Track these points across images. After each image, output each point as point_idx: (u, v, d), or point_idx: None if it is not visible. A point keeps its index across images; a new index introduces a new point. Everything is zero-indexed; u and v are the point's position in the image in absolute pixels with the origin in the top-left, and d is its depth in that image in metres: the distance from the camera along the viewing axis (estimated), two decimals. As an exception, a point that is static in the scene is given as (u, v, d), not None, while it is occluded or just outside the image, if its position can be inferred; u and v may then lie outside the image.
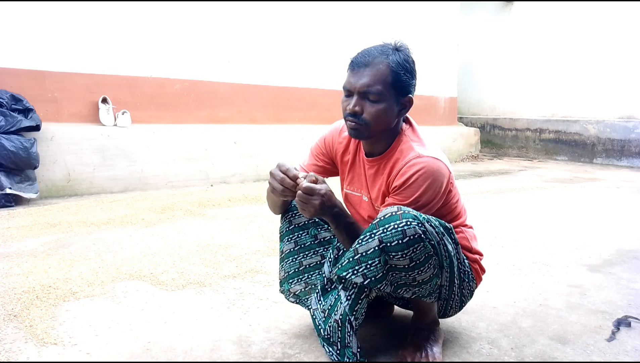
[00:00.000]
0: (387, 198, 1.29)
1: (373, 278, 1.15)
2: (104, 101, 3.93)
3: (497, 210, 3.38)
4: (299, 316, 1.62)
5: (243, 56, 4.71)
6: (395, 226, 1.12)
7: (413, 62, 1.28)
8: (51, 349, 1.37)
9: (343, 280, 1.23)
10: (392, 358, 1.35)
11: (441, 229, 1.20)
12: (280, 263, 1.49)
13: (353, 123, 1.25)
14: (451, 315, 1.40)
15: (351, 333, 1.24)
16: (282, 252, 1.48)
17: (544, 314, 1.66)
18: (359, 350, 1.25)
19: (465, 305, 1.39)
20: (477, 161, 6.74)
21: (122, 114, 3.97)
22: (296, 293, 1.47)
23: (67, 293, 1.75)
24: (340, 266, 1.18)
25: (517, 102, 7.58)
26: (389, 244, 1.11)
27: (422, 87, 6.40)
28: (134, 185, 3.90)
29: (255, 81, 4.80)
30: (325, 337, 1.27)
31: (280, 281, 1.50)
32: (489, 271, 2.09)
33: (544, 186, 4.48)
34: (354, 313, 1.24)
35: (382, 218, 1.14)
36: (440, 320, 1.42)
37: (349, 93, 1.25)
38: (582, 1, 6.57)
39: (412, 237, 1.11)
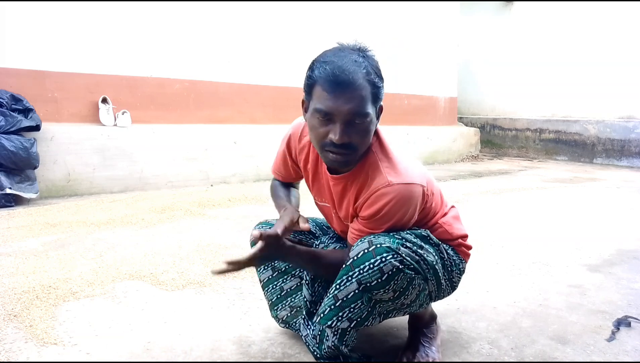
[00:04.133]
0: (355, 221, 1.21)
1: (359, 319, 1.13)
2: (104, 101, 3.93)
3: (497, 210, 3.38)
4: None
5: (243, 56, 4.71)
6: (371, 265, 1.08)
7: (377, 62, 1.15)
8: (51, 349, 1.37)
9: (328, 327, 1.16)
10: (393, 359, 1.35)
11: (418, 242, 1.17)
12: (263, 291, 1.47)
13: (340, 155, 1.09)
14: (445, 297, 1.35)
15: (348, 350, 1.17)
16: (261, 281, 1.45)
17: (544, 314, 1.66)
18: (361, 356, 1.22)
19: (457, 285, 1.34)
20: (477, 161, 6.74)
21: (122, 114, 3.97)
22: (284, 319, 1.43)
23: (67, 293, 1.75)
24: (322, 315, 1.15)
25: (517, 102, 7.58)
26: (368, 284, 1.09)
27: (422, 87, 6.45)
28: (134, 185, 3.90)
29: (255, 81, 4.80)
30: (325, 358, 1.21)
31: (269, 307, 1.47)
32: (489, 271, 2.09)
33: (544, 186, 4.48)
34: (344, 342, 1.16)
35: (356, 258, 1.10)
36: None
37: (328, 118, 1.07)
38: (583, 1, 6.57)
39: (390, 273, 1.08)
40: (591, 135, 6.69)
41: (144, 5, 4.09)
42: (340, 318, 1.13)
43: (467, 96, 7.97)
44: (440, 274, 1.23)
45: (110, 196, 3.60)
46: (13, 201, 3.18)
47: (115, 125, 3.93)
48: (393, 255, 1.09)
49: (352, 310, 1.12)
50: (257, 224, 1.45)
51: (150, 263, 2.10)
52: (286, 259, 1.23)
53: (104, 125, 3.87)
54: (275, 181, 1.49)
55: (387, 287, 1.09)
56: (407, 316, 1.40)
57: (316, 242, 1.41)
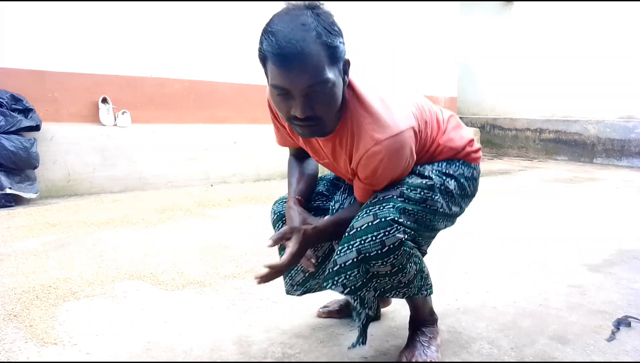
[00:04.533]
0: (357, 179, 1.20)
1: (352, 287, 1.14)
2: (104, 101, 3.93)
3: (497, 210, 3.38)
4: (299, 316, 1.62)
5: (243, 56, 4.70)
6: (373, 237, 1.09)
7: (332, 16, 1.06)
8: (51, 349, 1.37)
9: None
10: (392, 359, 1.35)
11: (421, 199, 1.17)
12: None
13: (305, 127, 1.05)
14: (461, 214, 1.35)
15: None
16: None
17: (544, 314, 1.66)
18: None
19: (476, 192, 1.35)
20: (477, 161, 6.73)
21: (122, 114, 3.97)
22: (300, 282, 1.42)
23: (67, 293, 1.75)
24: (324, 275, 1.18)
25: (517, 102, 7.58)
26: (367, 254, 1.10)
27: (422, 87, 6.44)
28: (134, 185, 3.89)
29: (255, 81, 4.79)
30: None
31: (284, 280, 1.47)
32: (489, 271, 2.09)
33: (544, 186, 4.48)
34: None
35: (359, 229, 1.11)
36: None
37: (286, 93, 1.01)
38: (583, 1, 6.57)
39: (391, 246, 1.09)
40: (591, 135, 6.69)
41: (144, 6, 4.09)
42: (335, 282, 1.15)
43: (467, 96, 7.97)
44: (449, 215, 1.25)
45: (111, 196, 3.60)
46: (13, 201, 3.18)
47: (115, 125, 3.93)
48: (397, 228, 1.10)
49: (347, 277, 1.13)
50: (277, 201, 1.44)
51: (150, 263, 2.10)
52: (318, 242, 1.24)
53: (104, 125, 3.87)
54: (289, 159, 1.48)
55: (385, 260, 1.10)
56: (407, 318, 1.40)
57: (331, 203, 1.40)
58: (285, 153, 1.55)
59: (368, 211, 1.13)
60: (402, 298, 1.25)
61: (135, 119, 4.07)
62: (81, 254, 2.20)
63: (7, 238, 2.44)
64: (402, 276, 1.15)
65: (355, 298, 1.17)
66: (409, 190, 1.17)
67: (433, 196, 1.19)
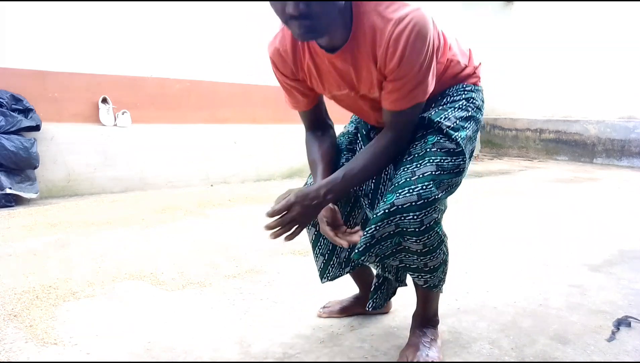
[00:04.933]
0: (385, 86, 1.13)
1: (382, 255, 1.18)
2: (104, 101, 3.93)
3: (497, 210, 3.38)
4: (299, 316, 1.62)
5: (243, 56, 4.70)
6: (415, 216, 1.11)
7: None
8: (51, 349, 1.37)
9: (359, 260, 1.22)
10: (392, 359, 1.35)
11: (453, 167, 1.19)
12: (313, 253, 1.48)
13: (305, 26, 1.00)
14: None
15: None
16: (310, 242, 1.47)
17: (544, 314, 1.66)
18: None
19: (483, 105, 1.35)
20: (477, 161, 6.74)
21: (122, 114, 3.97)
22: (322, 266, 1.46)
23: (67, 293, 1.75)
24: (357, 247, 1.19)
25: (517, 102, 7.58)
26: (404, 229, 1.12)
27: (422, 87, 6.44)
28: (134, 185, 3.90)
29: (255, 81, 4.80)
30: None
31: (319, 273, 1.49)
32: (489, 271, 2.09)
33: (544, 186, 4.48)
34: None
35: (400, 207, 1.11)
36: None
37: None
38: (583, 1, 6.57)
39: (427, 225, 1.12)
40: (591, 135, 6.69)
41: (144, 6, 4.09)
42: (370, 253, 1.17)
43: (467, 96, 7.96)
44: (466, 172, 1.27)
45: (111, 196, 3.60)
46: (13, 201, 3.18)
47: (116, 125, 3.93)
48: (434, 208, 1.12)
49: (381, 247, 1.16)
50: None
51: (150, 263, 2.10)
52: (318, 202, 1.17)
53: (104, 125, 3.87)
54: (306, 137, 1.43)
55: (420, 238, 1.12)
56: (408, 318, 1.40)
57: (342, 160, 1.40)
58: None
59: (412, 191, 1.12)
60: (422, 285, 1.26)
61: (135, 119, 4.07)
62: (81, 254, 2.20)
63: (7, 238, 2.44)
64: (429, 259, 1.18)
65: (379, 265, 1.23)
66: (443, 160, 1.18)
67: (463, 160, 1.21)
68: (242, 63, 4.69)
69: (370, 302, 1.40)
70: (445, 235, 1.21)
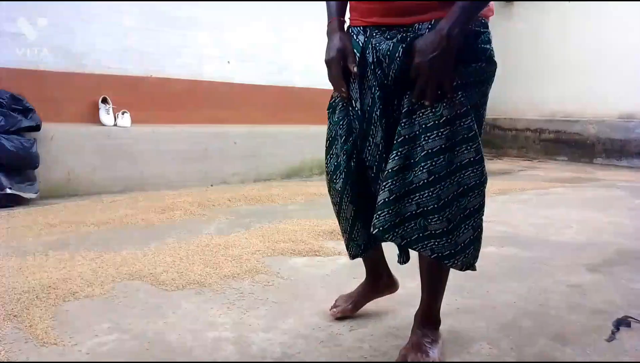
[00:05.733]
0: None
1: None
2: (104, 101, 3.93)
3: (497, 210, 3.38)
4: (299, 316, 1.62)
5: (243, 56, 4.70)
6: (475, 170, 1.19)
7: None
8: (51, 349, 1.37)
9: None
10: (392, 359, 1.35)
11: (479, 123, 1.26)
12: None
13: None
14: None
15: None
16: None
17: (544, 314, 1.66)
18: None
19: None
20: (477, 161, 6.73)
21: (122, 114, 3.96)
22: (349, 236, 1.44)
23: (67, 293, 1.75)
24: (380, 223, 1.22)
25: (517, 102, 7.57)
26: (466, 186, 1.20)
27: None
28: (133, 185, 3.89)
29: (255, 81, 4.80)
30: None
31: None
32: (489, 271, 2.08)
33: (544, 186, 4.48)
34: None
35: (459, 164, 1.18)
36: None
37: None
38: (582, 1, 6.57)
39: (484, 181, 1.21)
40: (591, 135, 6.68)
41: (144, 5, 4.09)
42: (395, 234, 1.23)
43: (467, 96, 7.96)
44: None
45: (110, 196, 3.60)
46: (13, 201, 3.17)
47: (116, 125, 3.92)
48: (483, 168, 1.20)
49: (405, 228, 1.22)
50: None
51: (150, 263, 2.10)
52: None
53: (104, 125, 3.87)
54: None
55: (477, 192, 1.20)
56: (408, 318, 1.40)
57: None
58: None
59: (452, 181, 1.17)
60: (446, 260, 1.24)
61: (135, 119, 4.06)
62: (81, 254, 2.20)
63: (7, 238, 2.44)
64: (472, 196, 1.21)
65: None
66: (468, 130, 1.19)
67: (482, 112, 1.31)
68: (242, 63, 4.69)
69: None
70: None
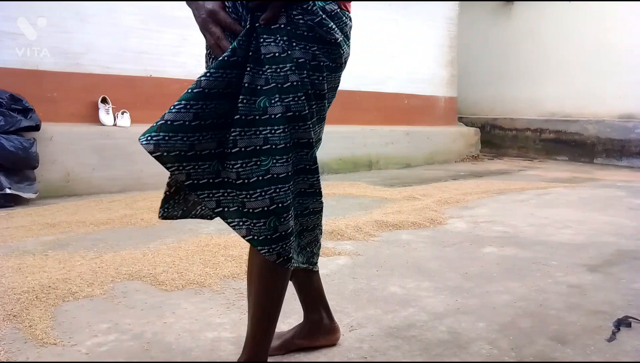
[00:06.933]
0: None
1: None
2: (104, 101, 3.93)
3: (497, 210, 3.38)
4: (299, 316, 1.61)
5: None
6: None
7: None
8: (51, 349, 1.37)
9: None
10: (392, 359, 1.35)
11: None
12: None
13: None
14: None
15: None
16: None
17: (543, 314, 1.66)
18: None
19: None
20: (477, 161, 6.74)
21: (122, 114, 3.96)
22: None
23: (67, 293, 1.75)
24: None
25: (517, 102, 7.58)
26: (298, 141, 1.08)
27: (422, 87, 6.44)
28: (133, 185, 3.89)
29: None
30: None
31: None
32: (489, 271, 2.08)
33: (544, 186, 4.48)
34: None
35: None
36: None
37: None
38: (582, 1, 6.57)
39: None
40: (591, 135, 6.69)
41: (144, 5, 4.09)
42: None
43: (467, 96, 7.96)
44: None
45: (110, 196, 3.60)
46: (12, 201, 3.17)
47: (115, 125, 3.92)
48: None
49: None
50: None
51: (149, 263, 2.10)
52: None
53: (103, 125, 3.87)
54: None
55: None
56: (406, 319, 1.39)
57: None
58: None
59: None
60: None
61: (134, 119, 4.06)
62: (80, 254, 2.20)
63: (7, 238, 2.44)
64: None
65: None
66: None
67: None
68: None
69: (160, 211, 1.15)
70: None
